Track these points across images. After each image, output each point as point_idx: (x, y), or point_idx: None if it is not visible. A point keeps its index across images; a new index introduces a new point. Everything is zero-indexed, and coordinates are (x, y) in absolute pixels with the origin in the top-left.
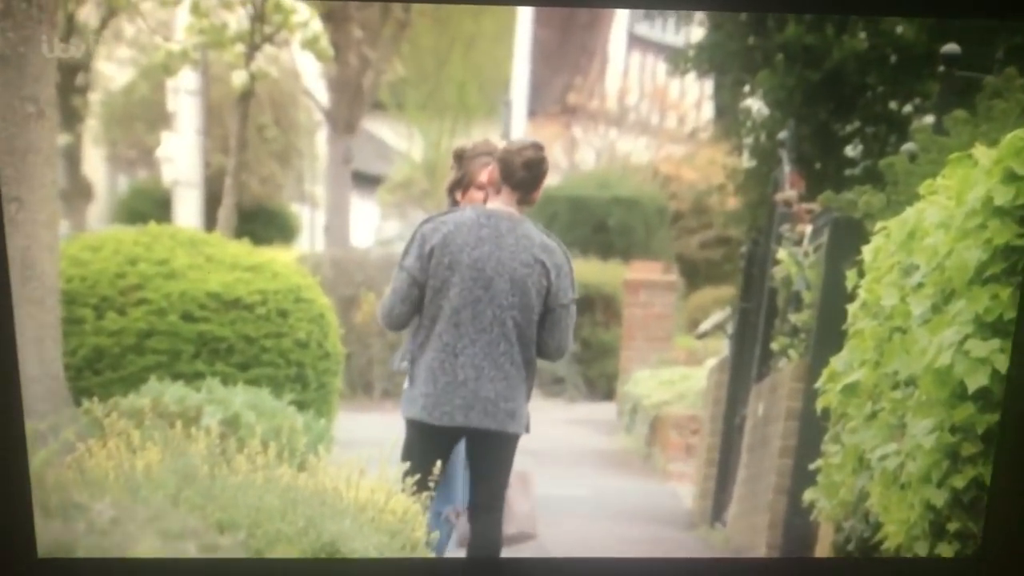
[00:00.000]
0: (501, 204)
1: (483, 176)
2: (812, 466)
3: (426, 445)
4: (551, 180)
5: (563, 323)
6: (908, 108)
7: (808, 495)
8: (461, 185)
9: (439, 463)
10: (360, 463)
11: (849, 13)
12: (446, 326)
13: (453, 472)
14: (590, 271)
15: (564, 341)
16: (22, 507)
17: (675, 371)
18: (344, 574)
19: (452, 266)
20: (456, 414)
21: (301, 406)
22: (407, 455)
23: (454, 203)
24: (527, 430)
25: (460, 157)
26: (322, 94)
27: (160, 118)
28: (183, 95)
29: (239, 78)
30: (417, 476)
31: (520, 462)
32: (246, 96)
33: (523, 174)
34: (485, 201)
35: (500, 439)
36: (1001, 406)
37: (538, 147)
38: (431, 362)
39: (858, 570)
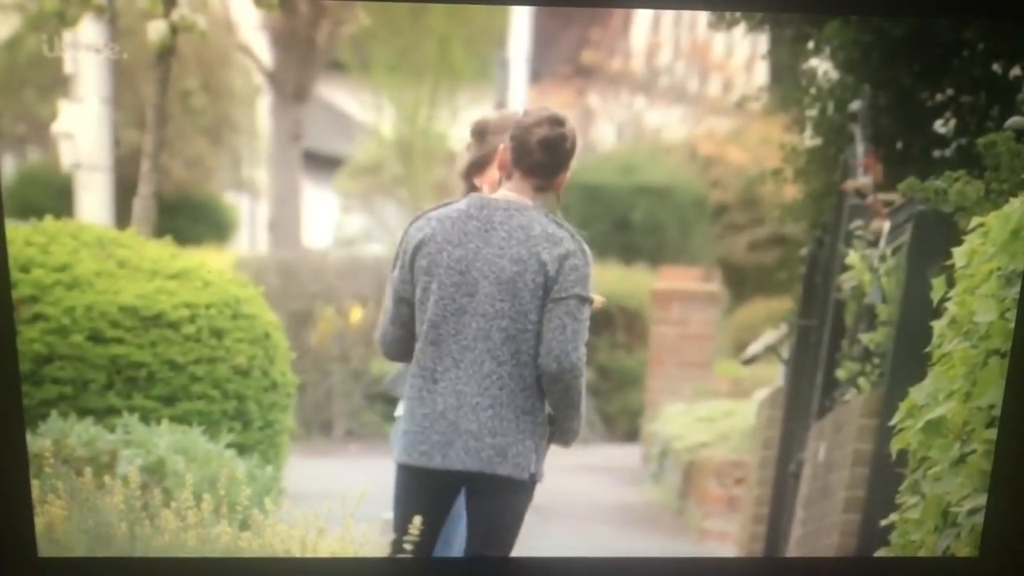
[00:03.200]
0: (512, 192)
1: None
2: (884, 522)
3: (412, 494)
4: None
5: (554, 321)
6: (1016, 71)
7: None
8: (479, 167)
9: (427, 516)
10: (318, 520)
11: (851, 14)
12: (424, 345)
13: (453, 525)
14: (609, 279)
15: (557, 347)
16: (22, 506)
17: (715, 405)
18: (345, 574)
19: (431, 270)
20: (434, 453)
21: (242, 449)
22: (394, 506)
23: (471, 188)
24: (535, 475)
25: (482, 133)
26: (264, 51)
27: (55, 83)
28: (84, 53)
29: (156, 30)
30: (405, 533)
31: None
32: (166, 54)
33: (538, 156)
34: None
35: (493, 484)
36: (1001, 406)
37: (557, 121)
38: (410, 390)
39: (858, 570)
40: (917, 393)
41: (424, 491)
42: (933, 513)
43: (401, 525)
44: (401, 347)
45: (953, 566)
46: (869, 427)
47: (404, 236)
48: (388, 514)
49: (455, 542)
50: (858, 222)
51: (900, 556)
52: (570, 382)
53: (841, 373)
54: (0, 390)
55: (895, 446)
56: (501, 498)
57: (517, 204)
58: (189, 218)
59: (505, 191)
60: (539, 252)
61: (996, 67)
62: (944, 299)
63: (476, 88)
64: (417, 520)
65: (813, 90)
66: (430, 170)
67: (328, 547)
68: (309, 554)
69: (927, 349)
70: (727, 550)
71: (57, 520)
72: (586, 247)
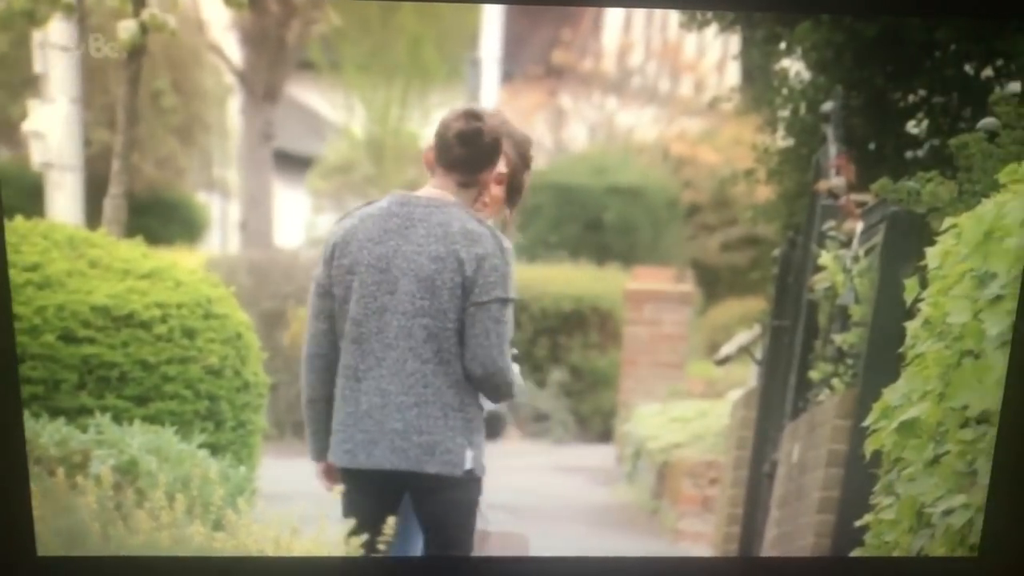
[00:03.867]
0: (435, 188)
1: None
2: (859, 523)
3: (356, 494)
4: (532, 164)
5: (477, 327)
6: (988, 72)
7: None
8: None
9: (366, 516)
10: (291, 520)
11: (851, 14)
12: (347, 344)
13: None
14: (582, 279)
15: (482, 353)
16: (22, 505)
17: (689, 406)
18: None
19: (352, 268)
20: (358, 452)
21: (215, 449)
22: (343, 511)
23: None
24: (472, 471)
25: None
26: (234, 51)
27: (25, 82)
28: (54, 52)
29: (127, 30)
30: (363, 536)
31: (495, 521)
32: (136, 53)
33: (457, 151)
34: None
35: (428, 483)
36: (1001, 406)
37: (474, 115)
38: (337, 391)
39: (858, 570)
40: (891, 394)
41: (359, 491)
42: (908, 514)
43: (358, 527)
44: (322, 343)
45: (953, 566)
46: (843, 428)
47: (329, 234)
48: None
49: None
50: (831, 223)
51: (896, 557)
52: (498, 382)
53: (815, 374)
54: None
55: (869, 447)
56: (440, 496)
57: (438, 201)
58: (160, 218)
59: (429, 187)
60: (457, 250)
61: (968, 68)
62: (917, 300)
63: (447, 88)
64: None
65: (785, 91)
66: (402, 170)
67: (302, 547)
68: (283, 553)
69: (901, 350)
70: (701, 550)
71: None
72: (507, 245)
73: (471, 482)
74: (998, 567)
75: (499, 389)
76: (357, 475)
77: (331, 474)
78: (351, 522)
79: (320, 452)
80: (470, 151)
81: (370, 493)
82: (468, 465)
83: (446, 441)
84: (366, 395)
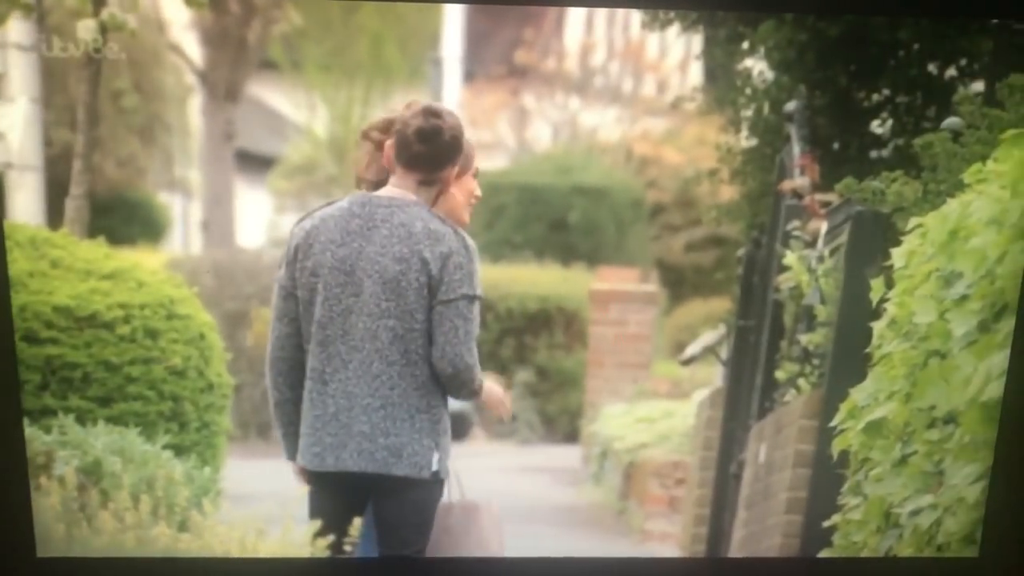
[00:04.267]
0: (395, 187)
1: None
2: (827, 524)
3: (322, 496)
4: (495, 164)
5: (445, 325)
6: (951, 72)
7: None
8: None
9: (332, 518)
10: (257, 522)
11: (850, 12)
12: (312, 346)
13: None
14: (547, 280)
15: (451, 350)
16: (21, 506)
17: (655, 406)
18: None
19: (316, 271)
20: (326, 455)
21: (179, 451)
22: (310, 512)
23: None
24: (437, 472)
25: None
26: (195, 50)
27: None
28: (12, 52)
29: (86, 29)
30: (329, 537)
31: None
32: (96, 53)
33: (417, 148)
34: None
35: (393, 485)
36: (1000, 406)
37: (433, 113)
38: (305, 393)
39: (857, 570)
40: (858, 394)
41: (326, 493)
42: (875, 514)
43: (323, 528)
44: (285, 345)
45: (953, 566)
46: (810, 428)
47: (289, 236)
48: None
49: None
50: (795, 223)
51: (896, 557)
52: (466, 379)
53: (781, 374)
54: None
55: (836, 447)
56: (403, 497)
57: (400, 200)
58: (122, 218)
59: (389, 187)
60: (421, 250)
61: (932, 68)
62: (883, 300)
63: (410, 88)
64: (354, 523)
65: (748, 90)
66: None
67: (268, 548)
68: (249, 555)
69: (867, 350)
70: (669, 551)
71: None
72: (470, 242)
73: (435, 484)
74: (999, 567)
75: (466, 386)
76: (324, 477)
77: (304, 473)
78: (317, 523)
79: (292, 452)
80: (430, 148)
81: (337, 495)
82: (434, 467)
83: (413, 443)
84: (333, 398)
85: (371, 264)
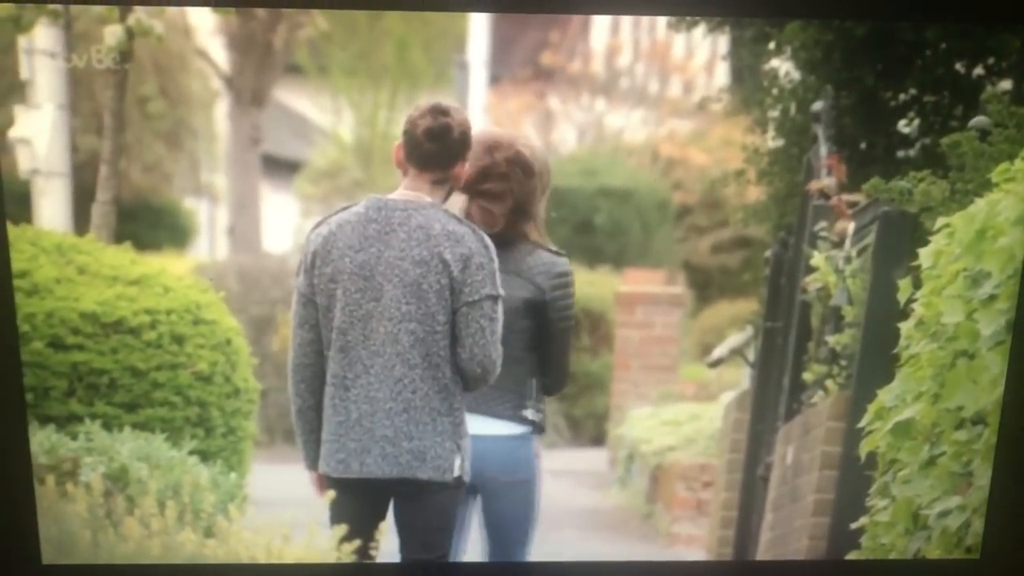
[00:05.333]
0: (409, 189)
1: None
2: (854, 526)
3: (347, 502)
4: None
5: (472, 326)
6: (979, 70)
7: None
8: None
9: (358, 525)
10: (283, 527)
11: (850, 17)
12: (334, 352)
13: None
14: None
15: (478, 351)
16: (26, 513)
17: (681, 409)
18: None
19: (335, 277)
20: (351, 461)
21: (205, 456)
22: (331, 520)
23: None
24: (459, 477)
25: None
26: (221, 55)
27: (11, 88)
28: (40, 58)
29: (113, 35)
30: (356, 543)
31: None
32: (123, 59)
33: (427, 147)
34: None
35: (417, 489)
36: (1000, 408)
37: (440, 111)
38: (326, 400)
39: (857, 570)
40: (885, 395)
41: (349, 500)
42: (903, 516)
43: (349, 535)
44: (308, 352)
45: (954, 569)
46: (837, 430)
47: (306, 242)
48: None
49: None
50: (822, 223)
51: (896, 559)
52: (490, 379)
53: (808, 375)
54: (3, 398)
55: (864, 449)
56: (426, 501)
57: (415, 203)
58: (148, 224)
59: (403, 190)
60: (441, 252)
61: (959, 66)
62: (911, 300)
63: (435, 92)
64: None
65: (775, 91)
66: (390, 174)
67: (294, 553)
68: (275, 560)
69: (894, 351)
70: (695, 554)
71: None
72: (488, 242)
73: (458, 487)
74: (999, 569)
75: (487, 382)
76: (348, 484)
77: (322, 482)
78: (342, 528)
79: (313, 460)
80: (439, 147)
81: (359, 501)
82: (456, 471)
83: (436, 446)
84: (355, 403)
85: (390, 268)
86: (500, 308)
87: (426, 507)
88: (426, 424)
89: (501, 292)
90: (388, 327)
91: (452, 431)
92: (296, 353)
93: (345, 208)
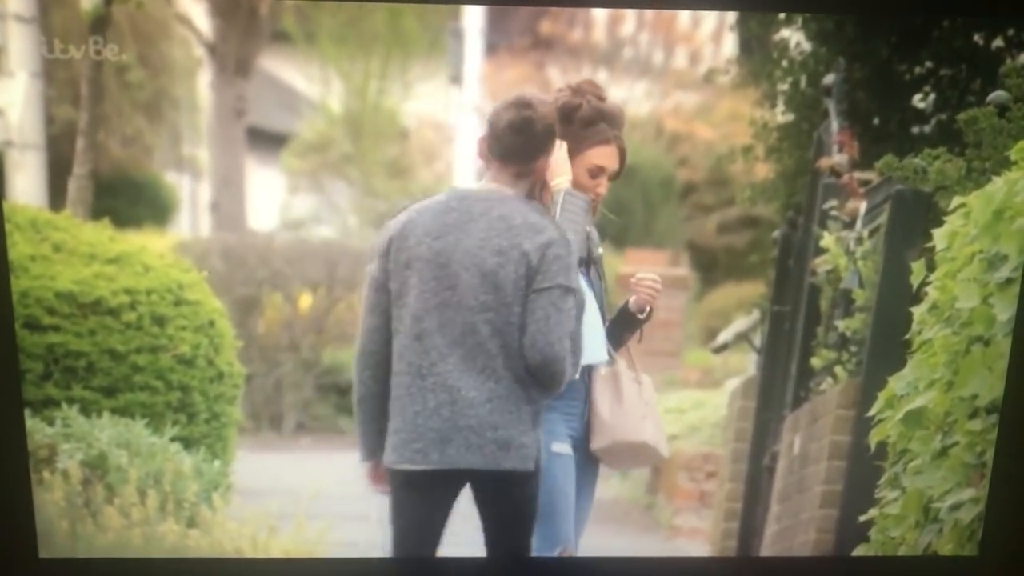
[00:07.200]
0: (491, 181)
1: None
2: (863, 518)
3: (413, 498)
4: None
5: (537, 312)
6: (998, 42)
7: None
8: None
9: (431, 520)
10: (269, 518)
11: (851, 13)
12: (409, 340)
13: (552, 507)
14: None
15: (541, 338)
16: (23, 507)
17: (685, 396)
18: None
19: (410, 263)
20: (431, 451)
21: (188, 443)
22: (393, 518)
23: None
24: (537, 465)
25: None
26: (204, 22)
27: None
28: (12, 23)
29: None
30: (408, 544)
31: None
32: (100, 24)
33: (509, 140)
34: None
35: (499, 479)
36: (1001, 406)
37: (524, 104)
38: (397, 389)
39: (858, 569)
40: (896, 382)
41: (423, 493)
42: (914, 508)
43: (402, 536)
44: (376, 339)
45: (953, 566)
46: (846, 418)
47: (383, 228)
48: (377, 526)
49: (559, 521)
50: (833, 202)
51: (896, 556)
52: (555, 370)
53: (816, 361)
54: (0, 389)
55: (874, 438)
56: (510, 492)
57: (497, 194)
58: (127, 199)
59: (486, 181)
60: (521, 242)
61: (977, 38)
62: (924, 283)
63: (429, 60)
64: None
65: (785, 63)
66: (381, 148)
67: (280, 546)
68: (261, 553)
69: (907, 336)
70: (698, 548)
71: None
72: (570, 235)
73: (537, 477)
74: (998, 567)
75: (556, 378)
76: (420, 475)
77: (380, 475)
78: (328, 520)
79: (371, 451)
80: (523, 140)
81: (430, 493)
82: (537, 459)
83: (520, 436)
84: (432, 392)
85: (468, 257)
86: (571, 302)
87: (512, 499)
88: (510, 413)
89: (575, 286)
90: (465, 316)
91: (533, 420)
92: (364, 340)
93: (426, 197)
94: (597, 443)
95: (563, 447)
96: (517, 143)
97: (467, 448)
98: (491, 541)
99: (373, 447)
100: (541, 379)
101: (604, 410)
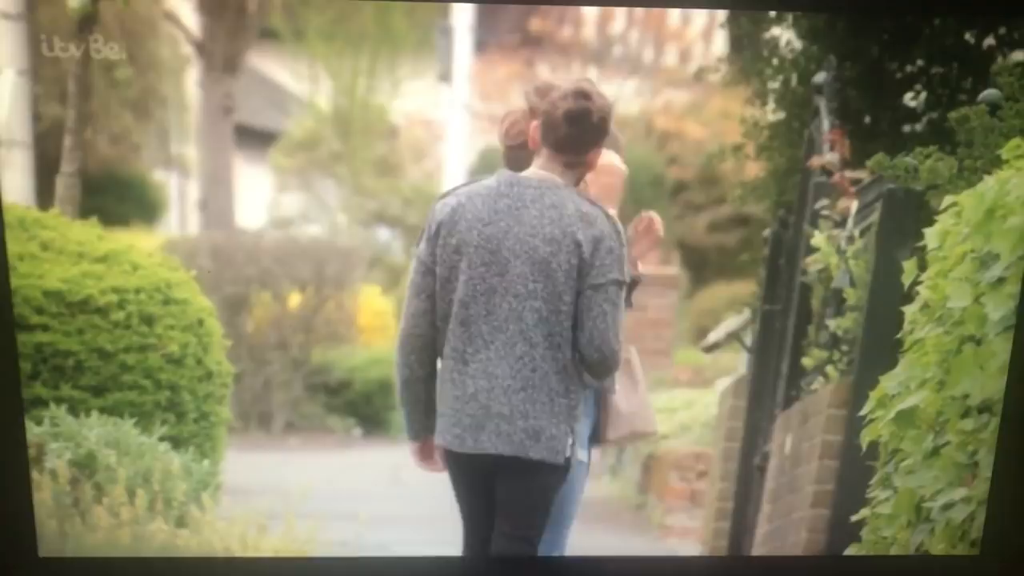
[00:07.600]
0: (542, 169)
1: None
2: (855, 518)
3: (455, 477)
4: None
5: (595, 309)
6: (989, 41)
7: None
8: None
9: (470, 499)
10: (258, 517)
11: (842, 11)
12: (454, 325)
13: (562, 513)
14: None
15: (597, 336)
16: (23, 506)
17: (675, 395)
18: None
19: (459, 248)
20: (466, 436)
21: (177, 442)
22: (455, 495)
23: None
24: (570, 459)
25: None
26: (191, 19)
27: None
28: None
29: None
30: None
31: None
32: (87, 21)
33: (564, 130)
34: None
35: (526, 468)
36: (1001, 406)
37: (582, 94)
38: (442, 372)
39: (858, 569)
40: (888, 382)
41: (462, 474)
42: (906, 508)
43: (462, 510)
44: (421, 323)
45: (953, 565)
46: (838, 417)
47: (430, 212)
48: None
49: None
50: (824, 201)
51: (896, 556)
52: (612, 364)
53: (808, 361)
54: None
55: (865, 438)
56: (532, 481)
57: (548, 182)
58: (115, 197)
59: (536, 168)
60: (574, 232)
61: (968, 36)
62: (915, 283)
63: (417, 58)
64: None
65: (775, 61)
66: (370, 146)
67: (270, 545)
68: (250, 553)
69: (898, 336)
70: (690, 547)
71: None
72: (620, 227)
73: (565, 470)
74: (999, 564)
75: (609, 371)
76: (460, 458)
77: (430, 454)
78: (318, 519)
79: (418, 431)
80: (578, 131)
81: (469, 476)
82: (568, 453)
83: (551, 427)
84: (473, 378)
85: (519, 244)
86: (623, 293)
87: (532, 488)
88: (543, 404)
89: (627, 279)
90: (512, 303)
91: (567, 413)
92: (409, 323)
93: (474, 181)
94: (613, 433)
95: (583, 454)
96: (573, 133)
97: (497, 435)
98: (503, 527)
99: (419, 428)
100: (597, 372)
101: (620, 401)
